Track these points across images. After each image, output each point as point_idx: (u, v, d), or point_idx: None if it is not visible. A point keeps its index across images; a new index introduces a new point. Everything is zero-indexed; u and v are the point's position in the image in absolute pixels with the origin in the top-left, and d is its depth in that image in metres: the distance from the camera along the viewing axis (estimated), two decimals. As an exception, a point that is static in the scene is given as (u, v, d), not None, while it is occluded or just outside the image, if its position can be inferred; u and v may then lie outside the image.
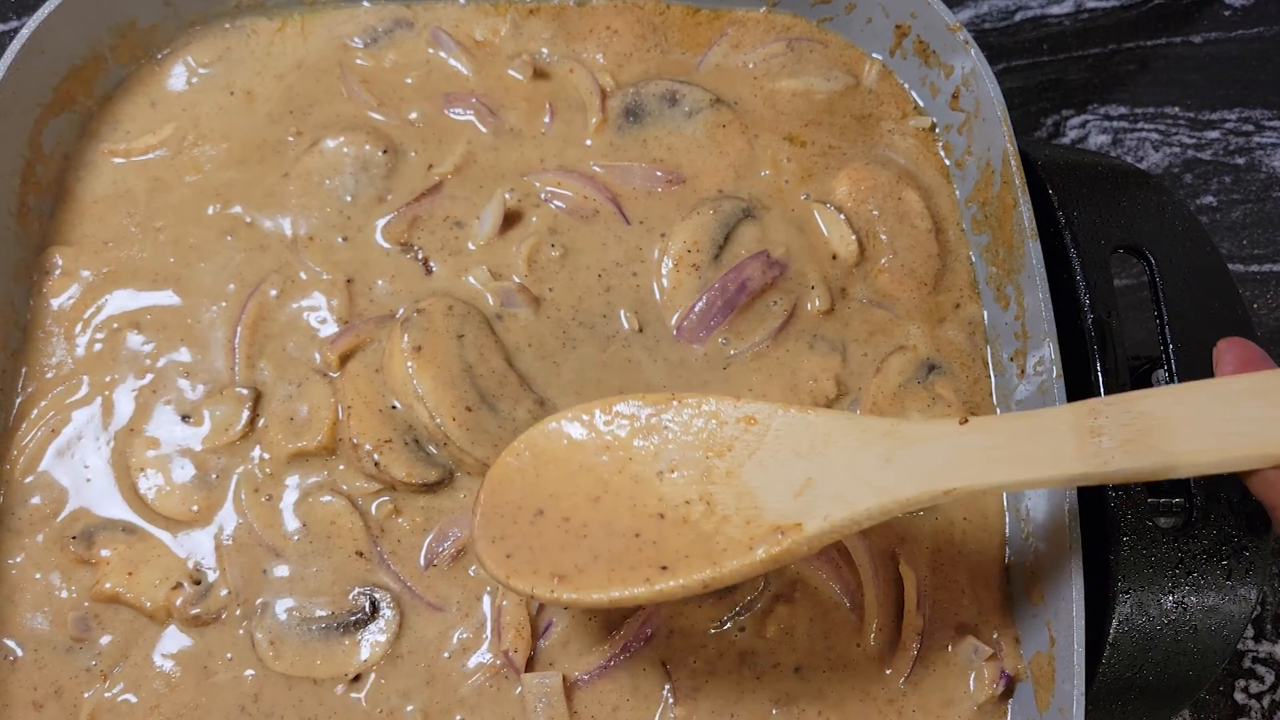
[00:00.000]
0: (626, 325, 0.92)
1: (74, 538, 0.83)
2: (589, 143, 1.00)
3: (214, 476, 0.86)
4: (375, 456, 0.84)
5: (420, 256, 0.94)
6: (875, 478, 0.65)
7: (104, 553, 0.83)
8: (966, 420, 0.65)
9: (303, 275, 0.93)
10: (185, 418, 0.88)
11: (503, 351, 0.90)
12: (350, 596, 0.83)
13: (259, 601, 0.82)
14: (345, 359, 0.89)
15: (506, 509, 0.72)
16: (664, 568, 0.65)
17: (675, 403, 0.72)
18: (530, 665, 0.81)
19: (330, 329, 0.91)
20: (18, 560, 0.84)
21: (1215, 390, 0.60)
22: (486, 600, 0.83)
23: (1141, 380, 0.94)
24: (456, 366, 0.87)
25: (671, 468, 0.70)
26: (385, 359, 0.88)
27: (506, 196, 0.95)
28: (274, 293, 0.92)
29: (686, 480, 0.69)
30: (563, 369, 0.90)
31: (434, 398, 0.85)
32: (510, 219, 0.95)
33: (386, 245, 0.94)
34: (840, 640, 0.83)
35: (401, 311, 0.91)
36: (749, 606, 0.83)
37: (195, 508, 0.85)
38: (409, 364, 0.86)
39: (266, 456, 0.86)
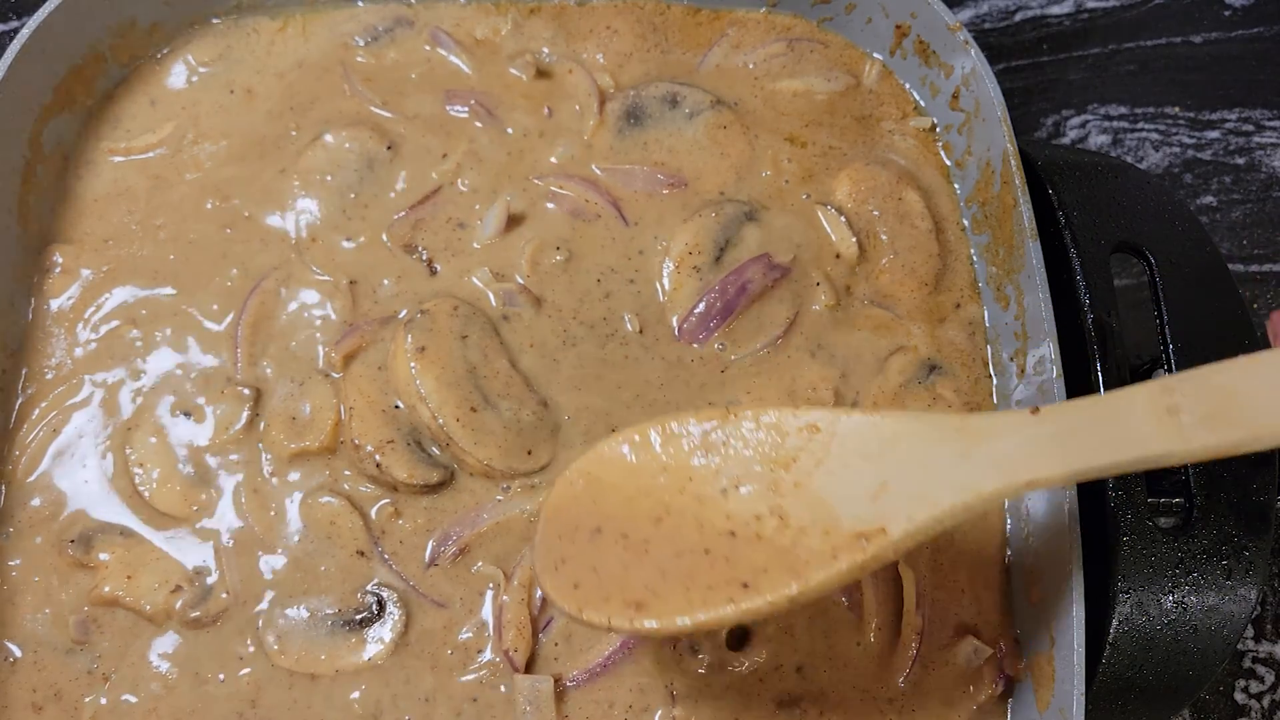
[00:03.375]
0: (629, 326, 0.92)
1: (72, 541, 0.83)
2: (589, 144, 1.00)
3: (214, 475, 0.86)
4: (377, 458, 0.84)
5: (425, 258, 0.94)
6: (953, 474, 0.63)
7: (102, 556, 0.83)
8: (1038, 410, 0.64)
9: (305, 274, 0.93)
10: (186, 415, 0.88)
11: (507, 354, 0.90)
12: (357, 595, 0.83)
13: (268, 596, 0.82)
14: (349, 359, 0.89)
15: (564, 530, 0.71)
16: (745, 585, 0.63)
17: (732, 417, 0.70)
18: (532, 663, 0.81)
19: (333, 329, 0.91)
20: (17, 563, 0.84)
21: None
22: (489, 597, 0.83)
23: (1142, 380, 0.94)
24: (460, 367, 0.87)
25: (736, 483, 0.68)
26: (389, 359, 0.88)
27: (509, 199, 0.95)
28: (277, 291, 0.92)
29: (754, 495, 0.67)
30: (562, 365, 0.90)
31: (437, 398, 0.85)
32: (513, 220, 0.95)
33: (390, 246, 0.94)
34: (840, 639, 0.83)
35: (405, 312, 0.91)
36: None
37: (195, 507, 0.85)
38: (412, 364, 0.86)
39: (268, 456, 0.86)
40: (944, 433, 0.65)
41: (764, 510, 0.66)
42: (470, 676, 0.81)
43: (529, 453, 0.86)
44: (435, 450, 0.86)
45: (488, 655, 0.82)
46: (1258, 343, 0.85)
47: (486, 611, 0.83)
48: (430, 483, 0.84)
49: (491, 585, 0.83)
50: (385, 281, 0.93)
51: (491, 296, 0.92)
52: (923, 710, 0.82)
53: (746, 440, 0.69)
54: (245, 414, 0.87)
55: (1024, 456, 0.62)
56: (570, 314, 0.92)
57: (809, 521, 0.65)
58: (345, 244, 0.95)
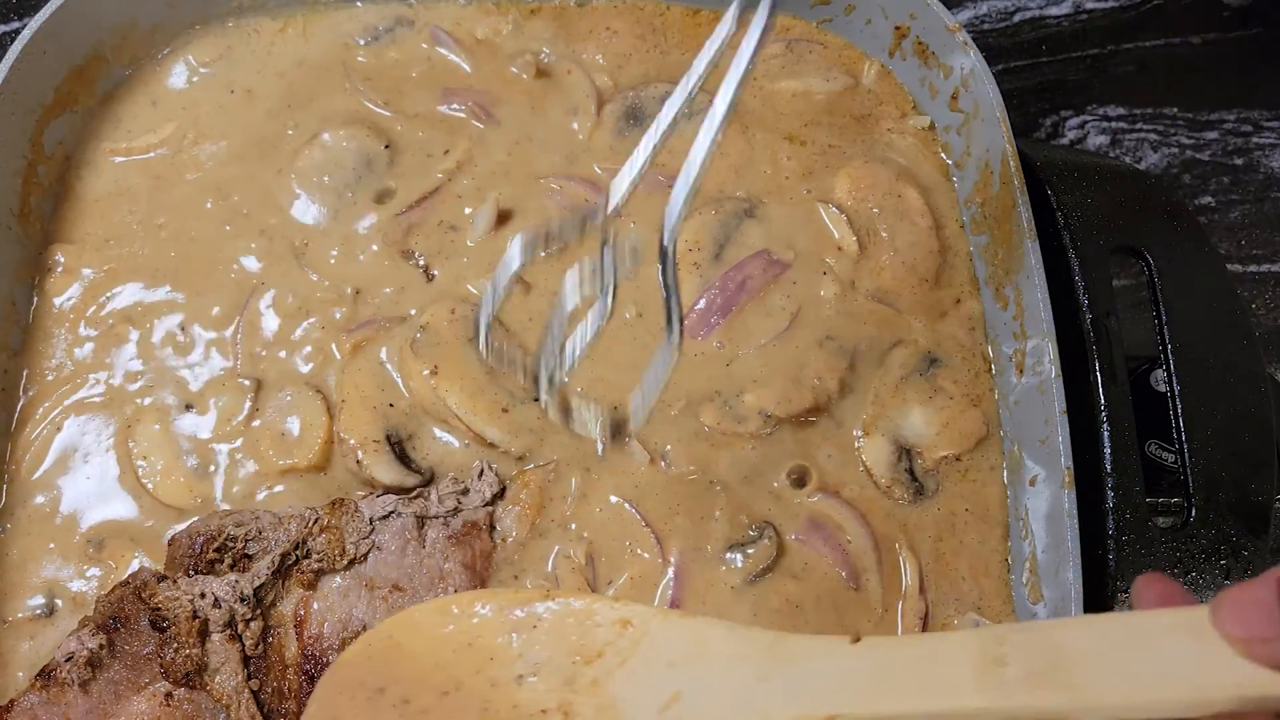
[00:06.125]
0: (628, 315, 0.92)
1: (78, 537, 0.84)
2: (588, 145, 1.00)
3: (217, 466, 0.87)
4: (359, 454, 0.85)
5: (421, 263, 0.94)
6: (748, 696, 0.59)
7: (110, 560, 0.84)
8: (859, 639, 0.59)
9: (303, 276, 0.93)
10: (188, 408, 0.88)
11: (514, 339, 0.90)
12: None
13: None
14: (357, 350, 0.90)
15: (345, 687, 0.66)
16: None
17: (550, 601, 0.66)
18: None
19: (332, 334, 0.91)
20: (21, 559, 0.84)
21: (1136, 624, 0.51)
22: (550, 563, 0.84)
23: (1141, 380, 0.95)
24: (479, 371, 0.87)
25: (533, 671, 0.64)
26: (406, 380, 0.89)
27: (497, 196, 0.96)
28: (273, 293, 0.93)
29: (548, 688, 0.63)
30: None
31: (468, 409, 0.86)
32: (504, 217, 0.96)
33: (386, 251, 0.95)
34: (849, 617, 0.84)
35: (413, 312, 0.91)
36: (760, 575, 0.84)
37: (199, 498, 0.85)
38: (433, 385, 0.86)
39: (257, 468, 0.86)
40: (752, 650, 0.61)
41: (552, 705, 0.62)
42: None
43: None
44: (416, 457, 0.87)
45: None
46: (1255, 343, 0.85)
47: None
48: (405, 486, 0.85)
49: None
50: (386, 290, 0.93)
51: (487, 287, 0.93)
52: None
53: (557, 627, 0.65)
54: (247, 404, 0.88)
55: (828, 689, 0.58)
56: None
57: None
58: (341, 246, 0.95)
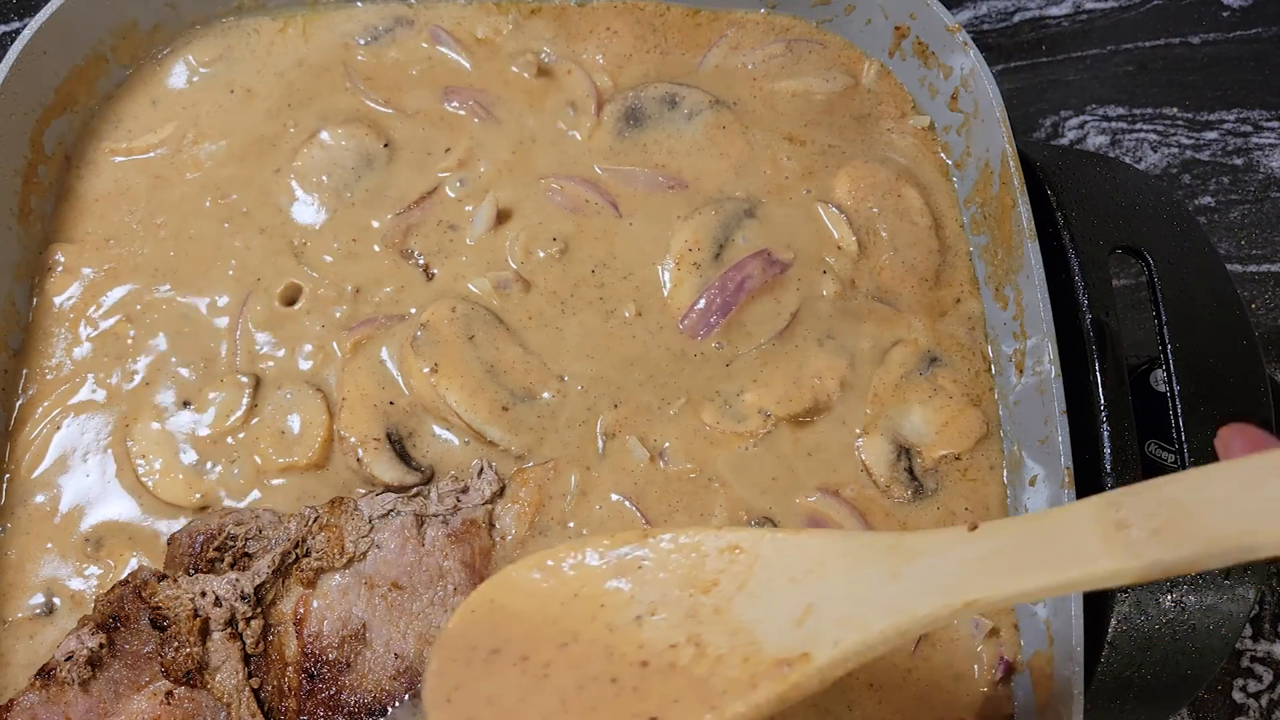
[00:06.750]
0: (627, 314, 0.92)
1: (77, 536, 0.84)
2: (588, 145, 1.00)
3: (216, 462, 0.87)
4: (359, 452, 0.85)
5: (421, 262, 0.94)
6: (884, 596, 0.59)
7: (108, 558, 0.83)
8: (976, 526, 0.59)
9: (301, 275, 0.94)
10: (186, 405, 0.88)
11: (515, 337, 0.90)
12: None
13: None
14: (357, 348, 0.90)
15: (458, 654, 0.65)
16: (653, 719, 0.59)
17: (650, 539, 0.66)
18: None
19: (333, 333, 0.91)
20: (20, 558, 0.84)
21: (1240, 470, 0.54)
22: None
23: (1141, 380, 0.95)
24: (479, 370, 0.87)
25: (651, 610, 0.63)
26: (406, 378, 0.89)
27: (495, 195, 0.96)
28: (273, 292, 0.93)
29: (670, 622, 0.63)
30: (566, 334, 0.91)
31: (468, 407, 0.86)
32: (504, 216, 0.96)
33: (385, 250, 0.95)
34: None
35: (414, 311, 0.92)
36: None
37: (198, 495, 0.85)
38: (433, 383, 0.86)
39: (257, 466, 0.87)
40: (874, 552, 0.61)
41: (680, 639, 0.62)
42: None
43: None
44: (416, 455, 0.87)
45: None
46: (1255, 342, 0.85)
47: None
48: (405, 485, 0.85)
49: None
50: (387, 289, 0.93)
51: (488, 284, 0.93)
52: (935, 687, 0.82)
53: (664, 564, 0.65)
54: (245, 400, 0.88)
55: (961, 576, 0.58)
56: (567, 293, 0.93)
57: (727, 649, 0.60)
58: (343, 245, 0.95)
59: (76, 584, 0.83)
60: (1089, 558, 0.55)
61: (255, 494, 0.86)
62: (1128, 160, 1.25)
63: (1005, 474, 0.89)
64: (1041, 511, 0.62)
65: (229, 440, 0.87)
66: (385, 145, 0.99)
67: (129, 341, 0.91)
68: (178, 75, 1.03)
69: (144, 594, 0.75)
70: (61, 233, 0.96)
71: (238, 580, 0.76)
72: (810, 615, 0.60)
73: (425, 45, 1.05)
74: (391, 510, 0.81)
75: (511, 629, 0.66)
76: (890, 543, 0.61)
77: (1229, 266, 1.15)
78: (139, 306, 0.92)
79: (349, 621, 0.77)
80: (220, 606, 0.75)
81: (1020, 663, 0.82)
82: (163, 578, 0.77)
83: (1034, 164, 0.92)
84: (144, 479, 0.86)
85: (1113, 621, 0.77)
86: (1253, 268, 1.21)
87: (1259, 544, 0.51)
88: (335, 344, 0.90)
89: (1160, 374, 0.86)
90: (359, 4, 1.06)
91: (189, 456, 0.87)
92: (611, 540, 0.67)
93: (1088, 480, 0.81)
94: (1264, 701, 1.03)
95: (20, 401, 0.89)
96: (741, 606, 0.62)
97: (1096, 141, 1.27)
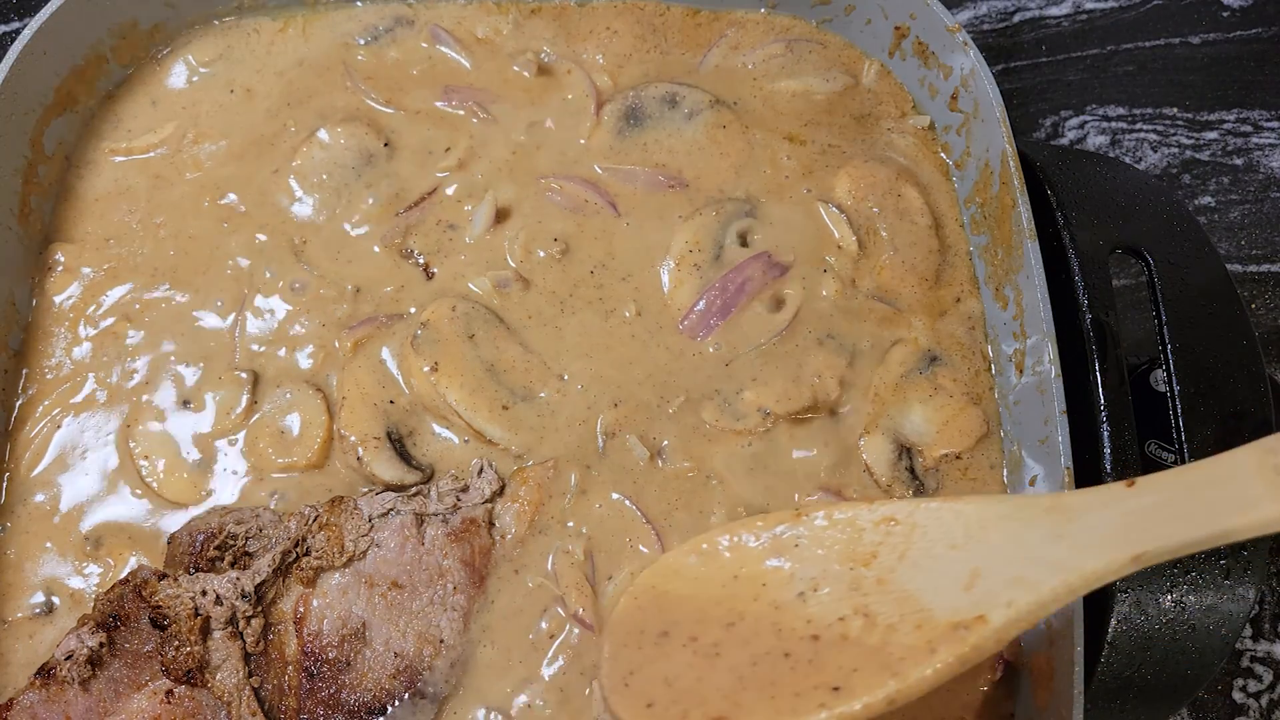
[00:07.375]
0: (627, 314, 0.92)
1: (76, 535, 0.84)
2: (588, 145, 1.00)
3: (218, 459, 0.87)
4: (359, 451, 0.85)
5: (420, 261, 0.94)
6: (1051, 555, 0.59)
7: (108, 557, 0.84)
8: (1134, 482, 0.60)
9: (301, 274, 0.94)
10: (186, 404, 0.88)
11: (515, 336, 0.90)
12: None
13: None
14: (358, 348, 0.90)
15: (629, 638, 0.67)
16: (836, 688, 0.59)
17: (804, 517, 0.67)
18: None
19: (333, 332, 0.91)
20: (19, 558, 0.84)
21: None
22: (550, 560, 0.84)
23: (1141, 380, 0.95)
24: (479, 369, 0.87)
25: (814, 586, 0.65)
26: (406, 377, 0.89)
27: (494, 195, 0.96)
28: (272, 290, 0.93)
29: (834, 596, 0.64)
30: (565, 333, 0.91)
31: (467, 405, 0.86)
32: (503, 215, 0.96)
33: (385, 250, 0.95)
34: None
35: (414, 310, 0.91)
36: None
37: (203, 491, 0.85)
38: (433, 382, 0.86)
39: (257, 465, 0.86)
40: (1034, 513, 0.62)
41: (847, 611, 0.63)
42: (550, 637, 0.80)
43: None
44: (416, 453, 0.87)
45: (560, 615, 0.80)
46: (1255, 342, 0.85)
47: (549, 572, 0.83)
48: (405, 483, 0.85)
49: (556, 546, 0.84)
50: (387, 289, 0.93)
51: (488, 283, 0.93)
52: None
53: (821, 540, 0.66)
54: (245, 397, 0.88)
55: (1125, 531, 0.58)
56: (566, 292, 0.93)
57: (898, 618, 0.61)
58: (343, 244, 0.95)
59: (76, 583, 0.83)
60: (1252, 502, 0.55)
61: (256, 493, 0.86)
62: (1128, 160, 1.25)
63: (1005, 473, 0.89)
64: (1197, 462, 0.61)
65: (230, 439, 0.87)
66: (385, 145, 0.99)
67: (129, 341, 0.91)
68: (178, 75, 1.03)
69: (144, 593, 0.75)
70: (61, 232, 0.96)
71: (238, 579, 0.76)
72: (979, 579, 0.61)
73: (425, 45, 1.05)
74: (391, 509, 0.81)
75: (676, 612, 0.67)
76: (1049, 504, 0.62)
77: (1229, 266, 1.15)
78: (139, 306, 0.92)
79: (349, 620, 0.77)
80: (221, 605, 0.75)
81: (1020, 663, 0.82)
82: (163, 576, 0.77)
83: (1034, 164, 0.92)
84: (147, 479, 0.86)
85: (1113, 621, 0.77)
86: (1253, 268, 1.21)
87: None
88: (335, 343, 0.91)
89: (1160, 374, 0.86)
90: (359, 4, 1.06)
91: (190, 455, 0.87)
92: (765, 521, 0.68)
93: (1087, 480, 0.81)
94: (1264, 701, 1.03)
95: (20, 401, 0.89)
96: (905, 575, 0.63)
97: (1096, 141, 1.27)
